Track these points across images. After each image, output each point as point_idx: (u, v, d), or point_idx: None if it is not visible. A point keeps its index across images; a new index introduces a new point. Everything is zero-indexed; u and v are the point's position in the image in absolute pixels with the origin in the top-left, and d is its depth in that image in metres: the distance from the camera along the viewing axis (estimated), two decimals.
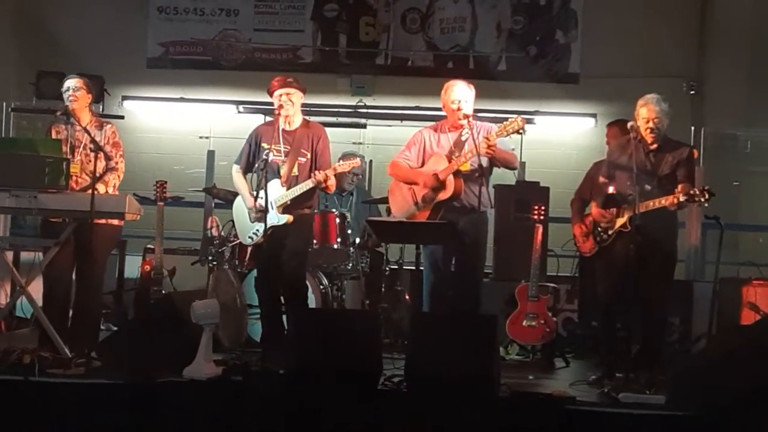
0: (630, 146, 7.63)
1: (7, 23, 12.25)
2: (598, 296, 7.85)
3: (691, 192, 7.21)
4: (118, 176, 7.82)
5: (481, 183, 7.41)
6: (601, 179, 7.81)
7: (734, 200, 10.87)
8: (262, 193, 7.48)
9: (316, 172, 7.60)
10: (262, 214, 7.54)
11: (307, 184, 7.64)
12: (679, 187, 7.34)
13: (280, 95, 7.75)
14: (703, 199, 7.16)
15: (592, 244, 7.74)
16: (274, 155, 7.69)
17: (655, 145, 7.42)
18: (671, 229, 7.60)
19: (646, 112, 7.50)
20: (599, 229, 7.64)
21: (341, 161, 7.75)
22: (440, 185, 7.53)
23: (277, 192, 7.65)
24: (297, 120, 7.86)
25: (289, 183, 7.71)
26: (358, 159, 7.98)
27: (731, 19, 11.61)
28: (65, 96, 7.78)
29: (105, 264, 8.05)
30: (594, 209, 7.72)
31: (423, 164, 7.77)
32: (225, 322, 7.83)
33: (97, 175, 7.38)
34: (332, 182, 7.69)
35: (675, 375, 6.78)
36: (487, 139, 7.32)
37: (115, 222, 7.70)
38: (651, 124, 7.45)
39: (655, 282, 7.32)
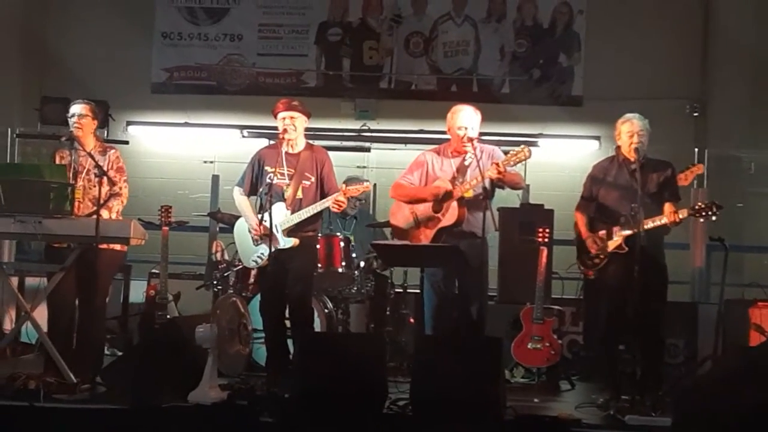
0: (613, 167, 7.68)
1: (13, 49, 12.28)
2: (600, 319, 7.87)
3: (698, 206, 7.25)
4: (122, 201, 7.81)
5: (485, 207, 7.39)
6: (583, 202, 7.83)
7: (738, 222, 10.85)
8: (266, 216, 7.50)
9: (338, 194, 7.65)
10: (266, 236, 7.54)
11: (315, 208, 7.66)
12: (666, 206, 7.39)
13: (284, 118, 7.79)
14: (710, 212, 7.20)
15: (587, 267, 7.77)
16: (278, 179, 7.72)
17: (638, 164, 7.41)
18: (660, 247, 7.61)
19: (629, 127, 7.58)
20: (591, 253, 7.64)
21: (347, 185, 7.75)
22: (447, 195, 7.55)
23: (281, 215, 7.66)
24: (300, 143, 7.89)
25: (294, 206, 7.73)
26: (368, 183, 7.99)
27: (734, 41, 11.63)
28: (70, 121, 7.78)
29: (108, 289, 8.04)
30: (583, 234, 7.72)
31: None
32: (224, 348, 7.81)
33: (101, 200, 7.39)
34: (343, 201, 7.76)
35: (681, 397, 6.76)
36: (497, 165, 7.32)
37: (118, 247, 7.69)
38: (636, 138, 7.51)
39: (652, 302, 7.33)
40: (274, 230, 7.54)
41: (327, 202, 7.67)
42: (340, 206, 7.74)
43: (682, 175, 7.63)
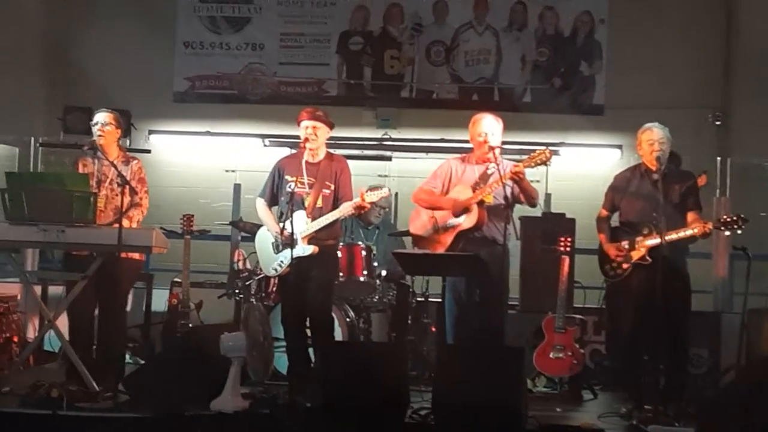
0: (635, 178, 7.68)
1: (36, 59, 12.36)
2: (623, 328, 7.85)
3: (725, 219, 7.24)
4: (142, 212, 7.87)
5: (505, 216, 7.41)
6: (605, 213, 7.84)
7: (762, 231, 10.75)
8: (288, 225, 7.51)
9: (357, 199, 7.64)
10: (288, 243, 7.55)
11: (334, 215, 7.67)
12: (690, 215, 7.39)
13: (307, 127, 7.81)
14: (736, 227, 7.20)
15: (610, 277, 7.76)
16: (298, 187, 7.74)
17: (661, 173, 7.40)
18: (684, 258, 7.61)
19: (649, 136, 7.59)
20: (614, 263, 7.65)
21: (368, 191, 7.74)
22: (466, 210, 7.56)
23: (302, 223, 7.67)
24: (321, 153, 7.91)
25: (314, 215, 7.74)
26: (387, 189, 7.99)
27: (756, 50, 11.57)
28: (94, 130, 7.83)
29: (127, 297, 8.07)
30: (605, 244, 7.73)
31: (447, 194, 7.83)
32: (252, 356, 7.85)
33: (123, 209, 7.42)
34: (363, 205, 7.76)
35: (704, 407, 6.73)
36: (516, 165, 7.37)
37: (136, 256, 7.72)
38: (656, 147, 7.51)
39: (676, 313, 7.31)
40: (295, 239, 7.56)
41: (347, 208, 7.67)
42: (359, 212, 7.76)
43: None
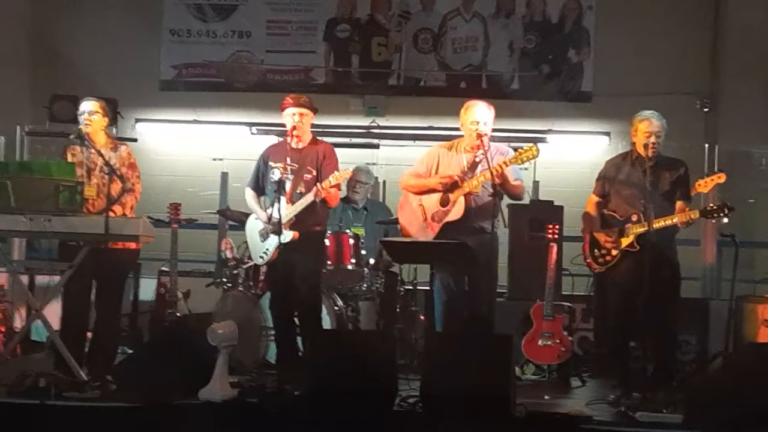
0: (626, 165, 7.64)
1: (22, 48, 12.30)
2: (611, 316, 7.85)
3: (710, 207, 7.24)
4: (135, 197, 7.82)
5: (493, 203, 7.37)
6: (596, 199, 7.80)
7: (750, 217, 10.81)
8: (273, 212, 7.49)
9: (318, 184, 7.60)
10: (275, 228, 7.53)
11: (307, 199, 7.62)
12: (678, 205, 7.37)
13: (293, 114, 7.78)
14: (722, 214, 7.19)
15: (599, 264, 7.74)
16: (282, 174, 7.70)
17: (652, 162, 7.37)
18: (672, 245, 7.59)
19: (647, 126, 7.49)
20: (603, 250, 7.62)
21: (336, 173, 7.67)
22: (455, 185, 7.53)
23: (283, 209, 7.63)
24: (306, 138, 7.88)
25: (294, 200, 7.71)
26: (349, 169, 7.91)
27: (744, 36, 11.59)
28: (80, 119, 7.77)
29: (123, 288, 8.06)
30: (595, 231, 7.72)
31: None
32: (243, 344, 7.82)
33: (112, 197, 7.39)
34: (334, 194, 7.72)
35: (692, 393, 6.74)
36: (495, 169, 7.27)
37: (133, 245, 7.69)
38: (653, 139, 7.44)
39: (664, 299, 7.30)
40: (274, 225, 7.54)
41: (309, 198, 7.63)
42: (319, 193, 7.66)
43: (702, 181, 7.57)
